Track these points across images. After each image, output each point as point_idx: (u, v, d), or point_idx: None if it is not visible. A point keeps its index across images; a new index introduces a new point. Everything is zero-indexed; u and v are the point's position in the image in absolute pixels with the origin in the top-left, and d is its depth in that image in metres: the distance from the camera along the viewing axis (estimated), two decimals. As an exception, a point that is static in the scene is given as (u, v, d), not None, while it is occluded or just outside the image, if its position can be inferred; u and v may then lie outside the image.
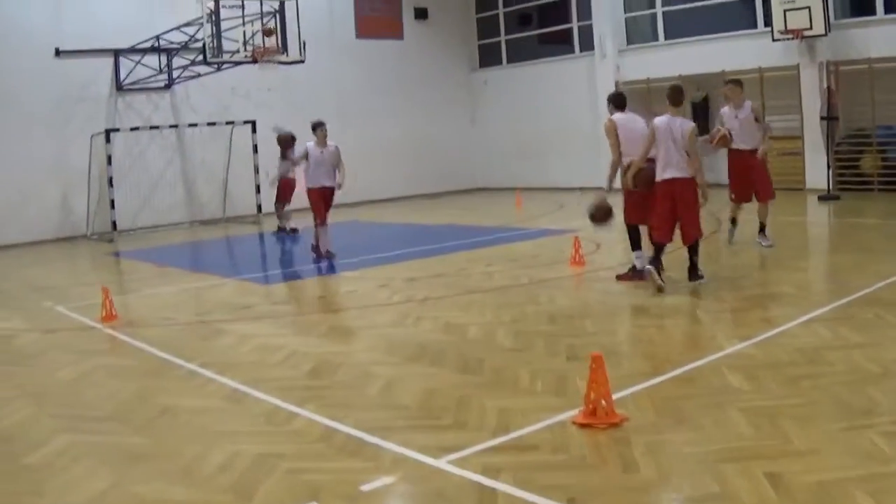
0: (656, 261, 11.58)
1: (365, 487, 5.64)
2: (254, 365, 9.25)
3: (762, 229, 14.54)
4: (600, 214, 12.54)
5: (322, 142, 16.19)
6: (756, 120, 14.20)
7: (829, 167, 22.36)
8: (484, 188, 32.96)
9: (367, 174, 28.86)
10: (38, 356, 10.31)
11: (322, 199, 16.32)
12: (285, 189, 21.17)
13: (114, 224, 22.90)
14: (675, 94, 11.71)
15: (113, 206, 22.91)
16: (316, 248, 16.67)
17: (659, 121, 11.54)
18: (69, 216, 24.05)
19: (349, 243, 16.21)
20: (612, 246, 15.61)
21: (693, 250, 11.66)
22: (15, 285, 16.14)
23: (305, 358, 9.24)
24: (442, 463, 5.97)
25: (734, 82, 14.50)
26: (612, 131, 12.13)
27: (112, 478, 6.06)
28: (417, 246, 17.56)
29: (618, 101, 12.76)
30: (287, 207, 21.48)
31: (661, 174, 11.48)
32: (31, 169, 23.09)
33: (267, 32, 21.17)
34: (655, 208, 11.64)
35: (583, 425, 6.49)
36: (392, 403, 7.52)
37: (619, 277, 12.60)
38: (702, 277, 11.61)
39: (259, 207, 24.90)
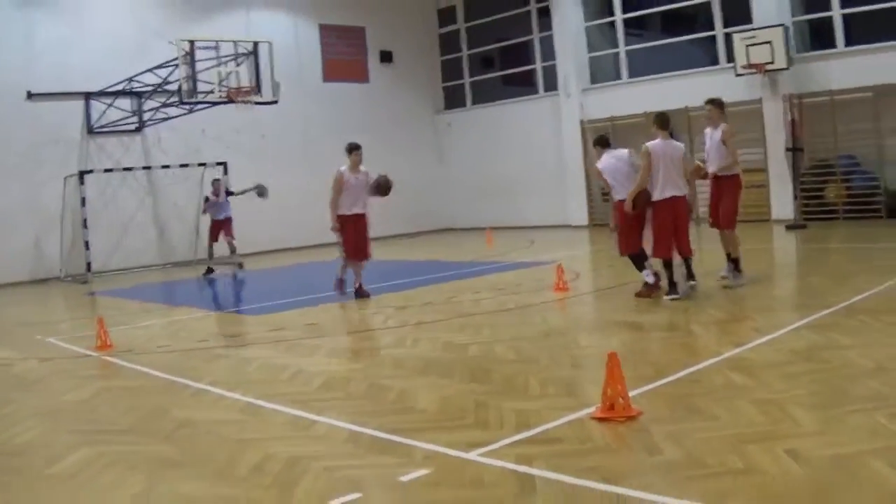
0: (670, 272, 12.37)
1: (404, 478, 5.75)
2: (263, 382, 9.32)
3: (730, 260, 13.24)
4: (381, 186, 15.25)
5: (356, 167, 15.20)
6: (723, 143, 13.11)
7: (795, 197, 22.75)
8: (452, 228, 33.16)
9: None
10: (41, 381, 10.33)
11: (355, 229, 15.09)
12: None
13: (88, 265, 22.82)
14: (663, 119, 12.54)
15: (88, 248, 22.87)
16: (341, 283, 15.50)
17: (654, 144, 12.21)
18: (41, 258, 24.02)
19: (329, 279, 16.27)
20: (594, 273, 15.80)
21: (689, 261, 12.50)
22: (-1, 322, 16.11)
23: (313, 375, 9.32)
24: (473, 456, 6.09)
25: (711, 102, 13.49)
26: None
27: (147, 482, 6.10)
28: (400, 279, 17.64)
29: (603, 142, 13.63)
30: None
31: (662, 193, 12.14)
32: (3, 211, 23.05)
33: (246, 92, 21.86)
34: (656, 226, 12.33)
35: (602, 419, 6.65)
36: (410, 409, 7.63)
37: (637, 294, 12.84)
38: (694, 280, 12.36)
39: (232, 249, 24.86)
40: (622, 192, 12.64)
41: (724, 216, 13.07)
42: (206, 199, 22.14)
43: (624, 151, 13.22)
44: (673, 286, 12.28)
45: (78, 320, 14.72)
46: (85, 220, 22.99)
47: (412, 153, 32.67)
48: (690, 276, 12.54)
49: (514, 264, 18.91)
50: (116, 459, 6.70)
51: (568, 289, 14.17)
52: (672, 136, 12.95)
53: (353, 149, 15.24)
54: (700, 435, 6.15)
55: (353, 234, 15.05)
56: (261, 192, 22.24)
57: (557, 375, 8.56)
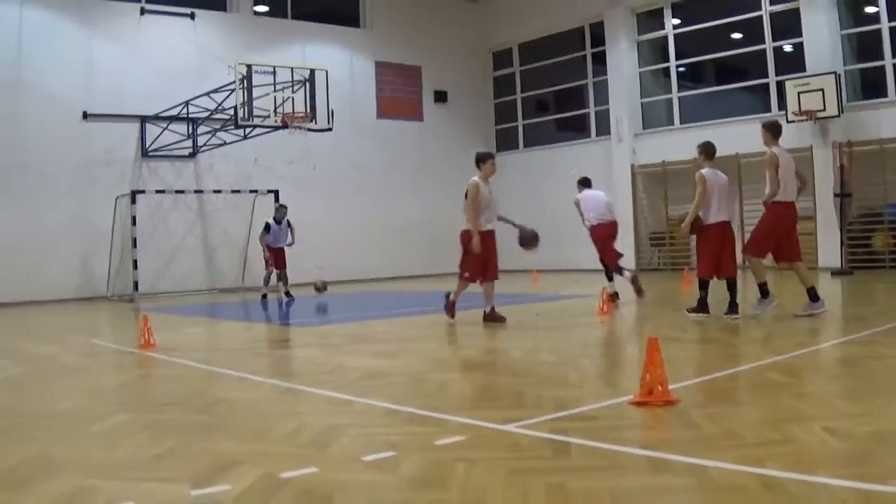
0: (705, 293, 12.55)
1: (439, 442, 5.73)
2: (304, 373, 9.39)
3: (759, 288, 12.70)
4: (529, 239, 14.18)
5: (488, 178, 13.69)
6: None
7: (842, 244, 22.59)
8: (501, 269, 32.98)
9: (383, 251, 29.21)
10: (85, 369, 10.44)
11: (486, 247, 13.51)
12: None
13: (136, 284, 22.98)
14: (710, 149, 12.94)
15: (136, 267, 23.04)
16: (452, 307, 14.04)
17: (708, 172, 12.59)
18: (89, 277, 24.22)
19: (375, 303, 16.14)
20: (639, 304, 15.73)
21: (733, 285, 12.45)
22: (44, 327, 16.25)
23: (354, 370, 9.30)
24: (510, 427, 6.07)
25: (763, 125, 13.18)
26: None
27: (182, 440, 6.12)
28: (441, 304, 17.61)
29: (585, 182, 16.59)
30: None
31: (716, 217, 12.51)
32: (54, 229, 23.32)
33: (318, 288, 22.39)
34: (706, 248, 12.62)
35: (640, 404, 6.60)
36: (449, 395, 7.62)
37: (689, 311, 12.88)
38: (737, 313, 11.98)
39: (279, 276, 24.97)
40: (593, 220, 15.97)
41: (749, 241, 12.72)
42: (267, 227, 21.68)
43: (602, 193, 16.51)
44: (734, 306, 12.30)
45: (123, 327, 14.81)
46: (134, 240, 23.17)
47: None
48: (734, 307, 12.41)
49: (560, 296, 18.88)
50: (153, 424, 6.74)
51: (612, 313, 14.11)
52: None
53: (487, 157, 13.81)
54: (739, 417, 6.10)
55: (484, 251, 13.36)
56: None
57: (598, 372, 8.59)
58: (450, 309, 13.94)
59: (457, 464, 5.13)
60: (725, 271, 12.60)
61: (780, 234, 12.31)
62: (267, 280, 21.87)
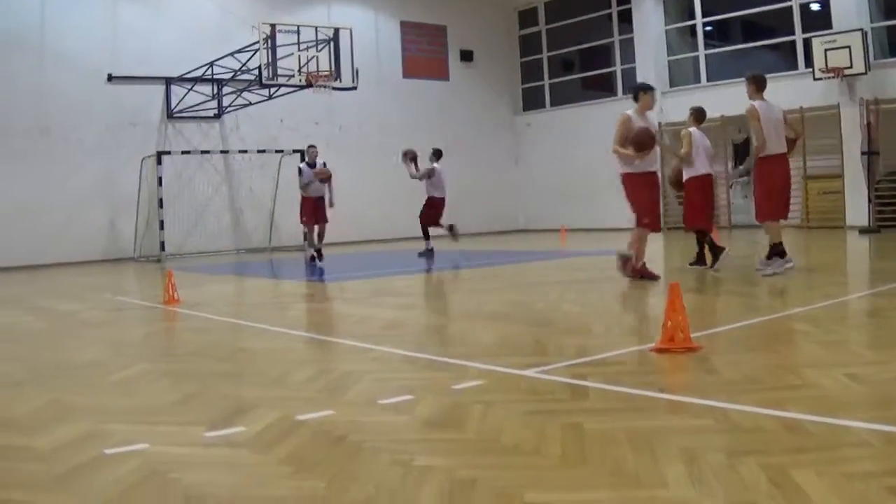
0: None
1: (457, 387, 5.69)
2: (325, 324, 9.42)
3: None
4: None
5: (644, 111, 11.92)
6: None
7: (869, 201, 22.38)
8: (527, 229, 33.02)
9: (411, 212, 29.06)
10: (107, 323, 10.45)
11: (651, 191, 12.23)
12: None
13: (162, 245, 23.03)
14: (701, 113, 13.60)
15: (162, 227, 23.09)
16: (626, 262, 12.09)
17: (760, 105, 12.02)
18: (115, 239, 24.22)
19: (401, 260, 16.07)
20: (667, 260, 15.65)
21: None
22: (70, 286, 16.28)
23: (378, 320, 9.28)
24: (529, 373, 6.03)
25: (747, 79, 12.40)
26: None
27: (202, 386, 6.11)
28: (471, 261, 17.61)
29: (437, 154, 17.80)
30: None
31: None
32: (79, 191, 23.33)
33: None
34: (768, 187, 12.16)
35: (661, 350, 6.54)
36: (470, 342, 7.59)
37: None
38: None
39: (305, 236, 24.98)
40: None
41: (756, 207, 12.34)
42: (300, 171, 19.50)
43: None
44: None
45: (147, 286, 14.85)
46: (161, 201, 23.21)
47: (489, 153, 32.66)
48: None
49: (586, 252, 18.74)
50: (172, 372, 6.77)
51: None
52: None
53: (648, 88, 11.93)
54: (760, 363, 6.07)
55: (648, 195, 12.07)
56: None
57: (621, 322, 8.54)
58: (633, 268, 11.98)
59: (474, 406, 5.11)
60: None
61: (779, 188, 11.94)
62: (307, 237, 20.47)
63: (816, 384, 5.25)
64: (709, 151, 13.14)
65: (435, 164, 20.39)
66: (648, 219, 11.85)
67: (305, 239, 21.13)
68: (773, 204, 11.92)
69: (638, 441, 4.23)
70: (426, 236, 19.97)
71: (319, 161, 19.36)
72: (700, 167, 12.94)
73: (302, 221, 19.92)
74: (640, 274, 11.82)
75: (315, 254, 19.52)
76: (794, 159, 12.91)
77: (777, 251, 11.82)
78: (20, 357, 7.90)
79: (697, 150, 12.87)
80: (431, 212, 20.25)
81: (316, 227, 19.45)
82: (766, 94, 12.02)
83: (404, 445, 4.41)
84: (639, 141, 11.39)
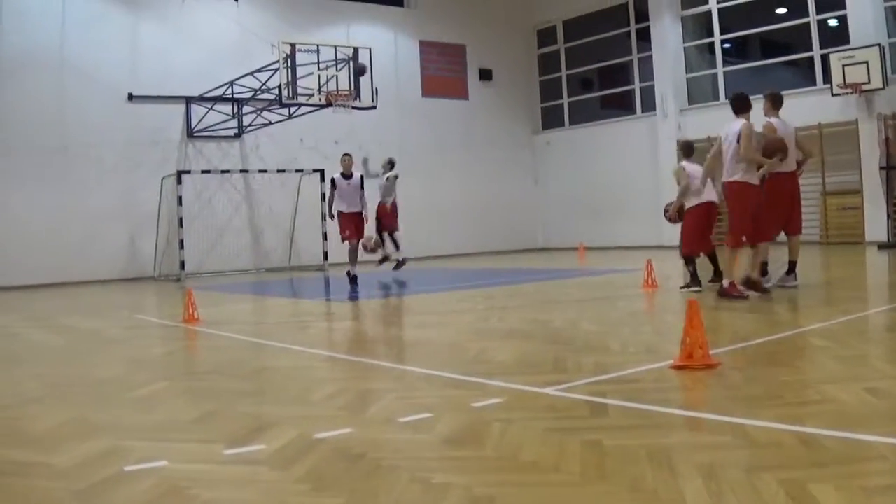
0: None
1: (476, 404, 5.70)
2: (346, 343, 9.43)
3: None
4: None
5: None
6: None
7: (888, 216, 22.34)
8: (545, 248, 33.01)
9: (430, 231, 29.15)
10: (127, 341, 10.50)
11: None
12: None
13: (182, 264, 23.10)
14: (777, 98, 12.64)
15: (182, 246, 23.15)
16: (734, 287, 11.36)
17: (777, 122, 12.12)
18: (135, 257, 24.31)
19: (420, 278, 16.09)
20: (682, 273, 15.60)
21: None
22: (90, 304, 16.37)
23: (398, 340, 9.36)
24: (548, 390, 6.03)
25: (766, 96, 12.52)
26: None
27: (221, 404, 6.12)
28: (489, 280, 17.59)
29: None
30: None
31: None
32: (100, 210, 23.46)
33: (360, 71, 21.44)
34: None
35: (680, 367, 6.52)
36: (489, 361, 7.57)
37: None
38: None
39: (325, 255, 25.06)
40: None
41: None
42: (333, 183, 17.55)
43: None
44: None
45: (167, 304, 14.89)
46: (181, 220, 23.26)
47: (508, 172, 32.71)
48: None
49: (605, 270, 18.75)
50: (192, 390, 6.80)
51: (657, 286, 13.98)
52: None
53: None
54: (778, 378, 6.04)
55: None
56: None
57: (639, 339, 8.50)
58: (751, 285, 11.40)
59: (493, 423, 5.11)
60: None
61: (782, 207, 11.83)
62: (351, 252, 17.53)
63: (835, 399, 5.24)
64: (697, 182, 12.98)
65: (389, 174, 20.20)
66: (746, 234, 11.42)
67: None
68: (773, 221, 11.86)
69: (657, 457, 4.23)
70: (397, 246, 19.95)
71: (356, 172, 17.40)
72: (693, 198, 12.98)
73: (344, 237, 17.36)
74: (751, 287, 11.32)
75: (347, 275, 17.30)
76: (812, 175, 12.89)
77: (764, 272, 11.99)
78: (41, 374, 7.94)
79: (693, 181, 12.88)
80: (390, 218, 19.94)
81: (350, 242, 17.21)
82: (783, 109, 12.03)
83: (423, 463, 4.41)
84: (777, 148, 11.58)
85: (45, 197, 22.73)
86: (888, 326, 8.53)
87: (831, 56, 23.52)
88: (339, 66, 21.78)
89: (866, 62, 22.58)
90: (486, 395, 6.01)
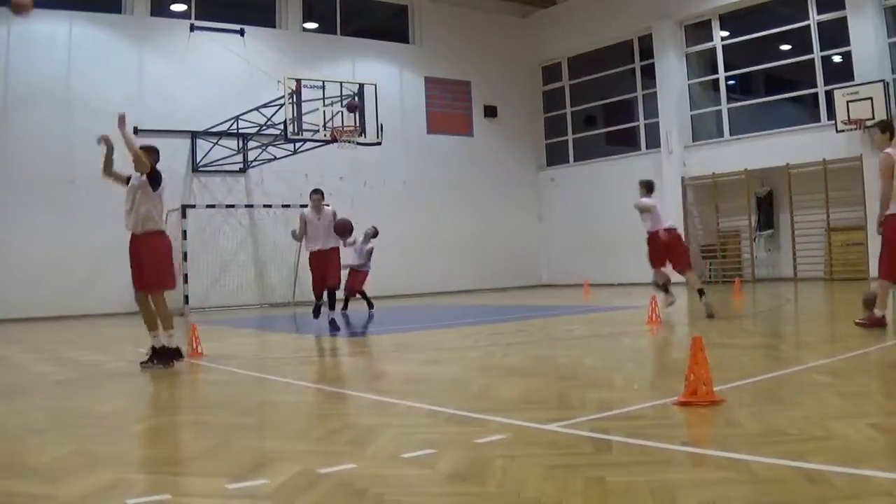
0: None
1: (479, 441, 5.68)
2: (350, 379, 9.42)
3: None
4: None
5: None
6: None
7: (894, 256, 22.33)
8: (550, 284, 33.00)
9: (434, 267, 29.20)
10: (129, 375, 10.46)
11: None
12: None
13: (186, 298, 23.09)
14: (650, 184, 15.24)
15: (186, 281, 23.15)
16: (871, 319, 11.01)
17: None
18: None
19: (424, 315, 16.10)
20: (690, 313, 15.60)
21: None
22: (94, 338, 16.39)
23: (402, 375, 9.33)
24: (552, 427, 6.01)
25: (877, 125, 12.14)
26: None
27: (224, 438, 6.10)
28: (492, 317, 17.57)
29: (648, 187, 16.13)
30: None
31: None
32: (104, 243, 23.41)
33: (350, 108, 21.56)
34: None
35: (684, 404, 6.51)
36: (492, 398, 7.56)
37: (857, 324, 11.30)
38: None
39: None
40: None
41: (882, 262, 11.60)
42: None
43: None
44: None
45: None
46: (185, 254, 23.30)
47: (513, 208, 32.79)
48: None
49: (610, 307, 18.73)
50: (196, 423, 6.81)
51: (661, 321, 13.97)
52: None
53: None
54: (782, 415, 6.02)
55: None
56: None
57: (643, 376, 8.52)
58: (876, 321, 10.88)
59: (496, 460, 5.09)
60: None
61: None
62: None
63: (839, 435, 5.23)
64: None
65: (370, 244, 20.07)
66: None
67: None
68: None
69: (661, 494, 4.21)
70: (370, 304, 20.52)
71: (328, 209, 15.89)
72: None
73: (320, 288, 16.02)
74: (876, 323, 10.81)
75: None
76: (817, 212, 12.74)
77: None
78: (44, 406, 7.95)
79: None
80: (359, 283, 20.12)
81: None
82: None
83: (426, 499, 4.41)
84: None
85: (52, 230, 22.83)
86: (892, 363, 8.52)
87: (836, 92, 23.64)
88: (344, 102, 21.86)
89: (870, 98, 22.69)
90: (489, 431, 5.99)
